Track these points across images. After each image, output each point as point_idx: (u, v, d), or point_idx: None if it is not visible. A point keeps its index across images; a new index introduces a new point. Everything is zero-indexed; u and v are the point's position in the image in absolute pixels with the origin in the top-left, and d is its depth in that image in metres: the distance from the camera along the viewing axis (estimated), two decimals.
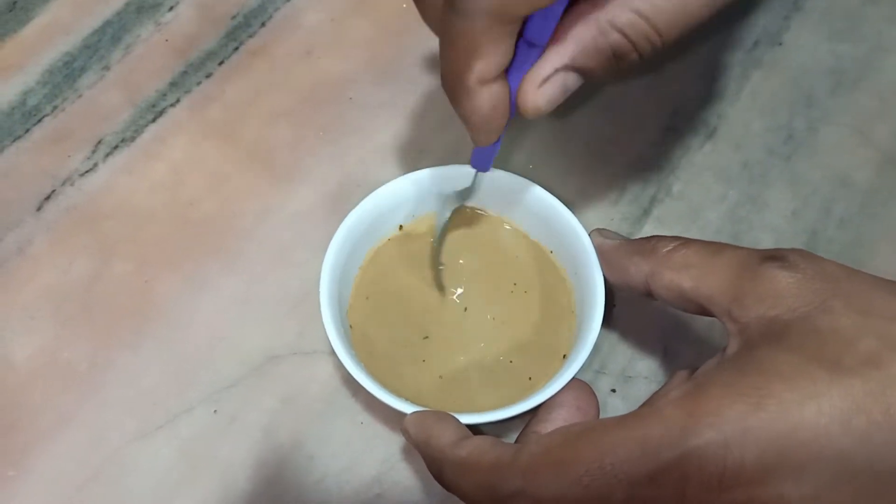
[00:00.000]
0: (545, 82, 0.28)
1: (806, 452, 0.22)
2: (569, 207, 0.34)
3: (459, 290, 0.35)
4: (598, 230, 0.33)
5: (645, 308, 0.36)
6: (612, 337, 0.36)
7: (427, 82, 0.42)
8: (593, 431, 0.25)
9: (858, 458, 0.22)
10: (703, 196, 0.39)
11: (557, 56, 0.28)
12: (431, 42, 0.43)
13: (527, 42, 0.28)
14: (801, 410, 0.22)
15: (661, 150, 0.40)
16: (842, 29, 0.43)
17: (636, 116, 0.41)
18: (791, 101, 0.42)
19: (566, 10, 0.27)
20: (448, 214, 0.35)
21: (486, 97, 0.28)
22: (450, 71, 0.28)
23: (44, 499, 0.33)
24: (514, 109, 0.29)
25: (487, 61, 0.27)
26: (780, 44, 0.43)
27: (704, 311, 0.28)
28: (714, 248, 0.28)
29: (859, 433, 0.22)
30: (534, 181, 0.34)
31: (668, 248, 0.29)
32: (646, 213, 0.39)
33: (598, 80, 0.29)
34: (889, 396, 0.22)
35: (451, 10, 0.26)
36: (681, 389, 0.24)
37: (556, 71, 0.28)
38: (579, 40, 0.27)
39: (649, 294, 0.30)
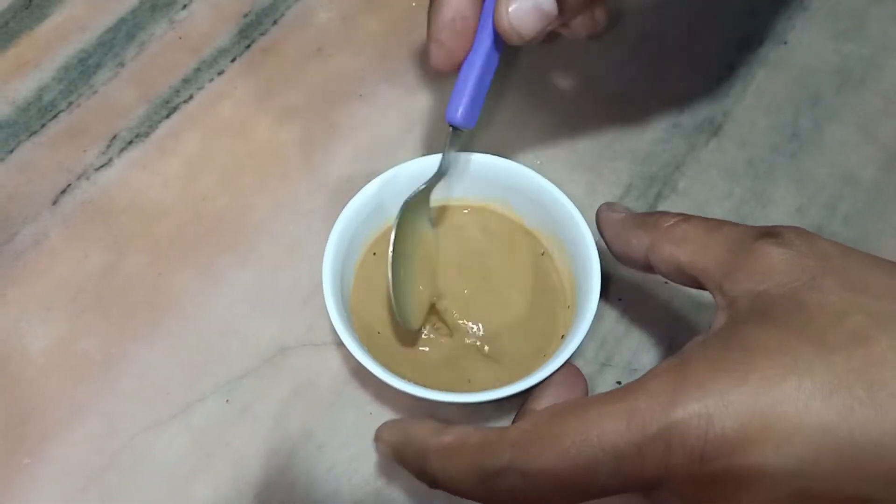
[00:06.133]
0: None
1: (787, 425, 0.22)
2: (575, 203, 0.34)
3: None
4: (608, 203, 0.33)
5: (651, 302, 0.37)
6: (619, 330, 0.37)
7: (437, 79, 0.43)
8: (581, 406, 0.25)
9: (840, 433, 0.22)
10: (709, 193, 0.40)
11: None
12: None
13: None
14: (782, 384, 0.22)
15: (667, 147, 0.41)
16: (847, 28, 0.44)
17: (642, 113, 0.42)
18: (796, 99, 0.42)
19: None
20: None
21: (447, 5, 0.31)
22: None
23: (59, 486, 0.34)
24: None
25: None
26: (786, 43, 0.44)
27: (699, 285, 0.28)
28: (713, 223, 0.28)
29: (841, 408, 0.22)
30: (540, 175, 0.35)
31: (670, 222, 0.29)
32: (651, 209, 0.39)
33: (571, 17, 0.31)
34: (872, 374, 0.22)
35: None
36: (666, 364, 0.25)
37: None
38: None
39: (649, 267, 0.30)
